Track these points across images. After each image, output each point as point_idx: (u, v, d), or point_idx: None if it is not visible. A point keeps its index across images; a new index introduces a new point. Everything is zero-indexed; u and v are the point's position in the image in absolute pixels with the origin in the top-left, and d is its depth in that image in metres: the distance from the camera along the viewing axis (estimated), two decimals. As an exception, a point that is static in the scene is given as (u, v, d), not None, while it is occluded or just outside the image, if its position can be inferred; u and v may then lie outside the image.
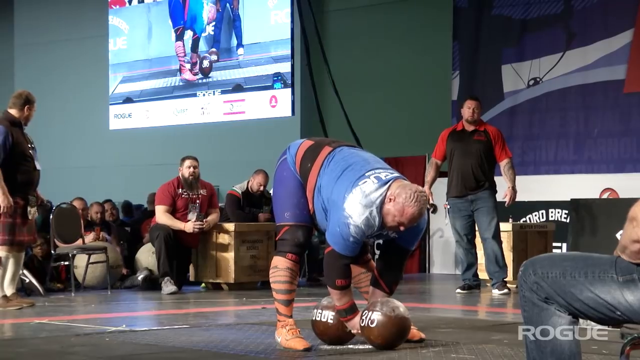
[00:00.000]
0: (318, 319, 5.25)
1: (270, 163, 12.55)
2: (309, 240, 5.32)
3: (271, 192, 10.72)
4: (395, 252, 5.22)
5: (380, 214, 4.87)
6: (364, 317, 5.05)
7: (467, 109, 9.27)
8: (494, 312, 7.83)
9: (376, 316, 5.00)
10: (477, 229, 9.28)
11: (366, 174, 4.95)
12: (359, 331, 5.09)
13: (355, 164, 5.05)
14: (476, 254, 9.33)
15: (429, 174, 9.48)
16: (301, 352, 4.99)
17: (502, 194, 9.29)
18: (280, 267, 5.18)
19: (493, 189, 9.22)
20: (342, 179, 4.99)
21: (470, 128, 9.27)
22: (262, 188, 10.55)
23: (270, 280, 5.24)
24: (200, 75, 16.48)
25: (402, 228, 4.91)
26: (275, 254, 5.29)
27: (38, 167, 8.18)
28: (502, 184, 9.38)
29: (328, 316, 5.19)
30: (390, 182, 4.92)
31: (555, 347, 3.02)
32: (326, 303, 5.24)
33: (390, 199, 4.85)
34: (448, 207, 9.43)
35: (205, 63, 16.40)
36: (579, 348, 3.05)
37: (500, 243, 9.17)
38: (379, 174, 4.97)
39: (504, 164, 9.26)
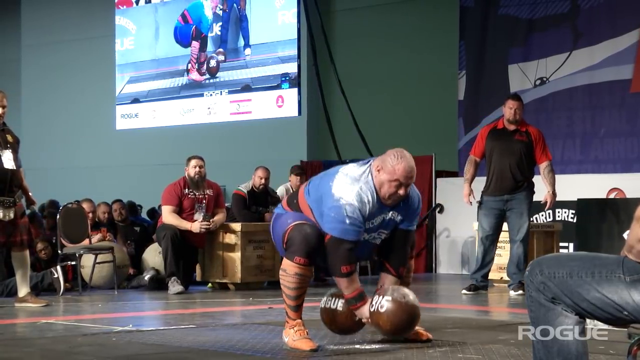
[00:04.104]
0: (327, 306, 5.22)
1: (276, 163, 12.55)
2: (318, 239, 5.04)
3: (277, 190, 10.78)
4: (397, 236, 5.21)
5: (373, 190, 4.95)
6: (373, 303, 5.02)
7: (509, 109, 9.10)
8: (500, 312, 7.83)
9: (386, 301, 4.98)
10: (507, 229, 9.18)
11: (344, 166, 5.13)
12: (369, 319, 5.06)
13: (330, 170, 5.20)
14: (494, 256, 9.22)
15: (469, 171, 9.26)
16: (308, 353, 4.99)
17: (541, 198, 9.19)
18: (288, 272, 5.11)
19: (530, 190, 9.05)
20: (323, 180, 5.11)
21: (511, 127, 9.11)
22: (263, 181, 10.51)
23: (280, 281, 5.23)
24: (207, 75, 16.49)
25: (401, 192, 4.97)
26: (285, 255, 5.22)
27: (8, 165, 7.87)
28: (538, 182, 9.25)
29: (338, 303, 5.17)
30: (370, 160, 5.09)
31: (562, 347, 3.02)
32: (337, 291, 5.23)
33: (378, 170, 4.99)
34: (479, 201, 9.22)
35: (212, 62, 16.41)
36: (586, 348, 3.05)
37: (527, 247, 9.05)
38: (355, 163, 5.14)
39: (543, 166, 9.11)
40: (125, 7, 17.60)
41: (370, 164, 5.03)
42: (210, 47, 16.49)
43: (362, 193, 4.93)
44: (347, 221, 4.90)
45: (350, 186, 4.93)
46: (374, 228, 5.11)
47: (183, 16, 16.83)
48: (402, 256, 5.26)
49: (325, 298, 5.26)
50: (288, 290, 5.15)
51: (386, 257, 5.24)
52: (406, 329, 5.07)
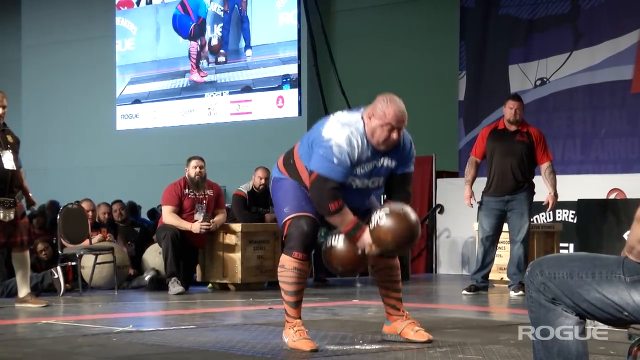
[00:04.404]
0: (328, 243, 5.13)
1: (276, 163, 12.45)
2: (316, 232, 5.19)
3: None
4: (396, 179, 5.22)
5: (363, 136, 4.99)
6: (372, 219, 4.96)
7: (509, 110, 9.10)
8: (501, 313, 7.83)
9: (384, 214, 4.92)
10: (507, 229, 9.18)
11: (335, 113, 5.16)
12: (371, 245, 4.98)
13: (322, 120, 5.21)
14: (494, 257, 9.22)
15: (469, 172, 9.25)
16: (308, 353, 4.99)
17: (543, 199, 9.18)
18: (287, 267, 5.15)
19: (531, 191, 9.05)
20: (314, 129, 5.15)
21: (512, 128, 9.11)
22: (263, 181, 10.51)
23: (278, 279, 5.23)
24: (208, 52, 16.44)
25: (394, 135, 5.00)
26: (283, 251, 5.25)
27: (8, 166, 7.87)
28: (538, 183, 9.24)
29: (339, 239, 5.09)
30: (361, 108, 5.12)
31: (562, 347, 3.02)
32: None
33: (369, 117, 5.02)
34: (479, 202, 9.21)
35: (214, 41, 16.36)
36: (586, 349, 3.05)
37: (527, 248, 9.04)
38: (346, 110, 5.20)
39: (544, 167, 9.11)
40: (126, 8, 17.59)
41: (361, 111, 5.08)
42: (209, 36, 16.50)
43: (352, 137, 4.96)
44: (335, 161, 4.94)
45: (340, 130, 4.98)
46: (365, 174, 5.11)
47: (182, 5, 16.80)
48: (403, 195, 5.22)
49: (325, 238, 5.21)
50: (287, 285, 5.16)
51: (387, 196, 5.25)
52: (406, 241, 4.98)
